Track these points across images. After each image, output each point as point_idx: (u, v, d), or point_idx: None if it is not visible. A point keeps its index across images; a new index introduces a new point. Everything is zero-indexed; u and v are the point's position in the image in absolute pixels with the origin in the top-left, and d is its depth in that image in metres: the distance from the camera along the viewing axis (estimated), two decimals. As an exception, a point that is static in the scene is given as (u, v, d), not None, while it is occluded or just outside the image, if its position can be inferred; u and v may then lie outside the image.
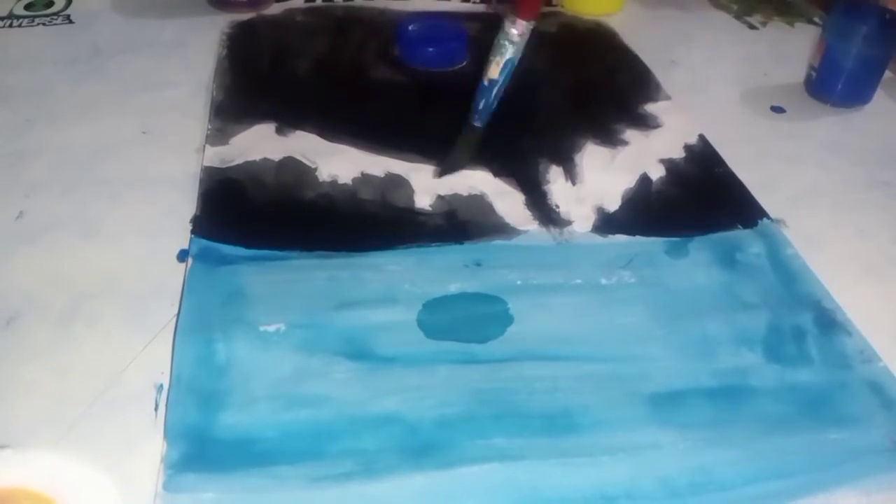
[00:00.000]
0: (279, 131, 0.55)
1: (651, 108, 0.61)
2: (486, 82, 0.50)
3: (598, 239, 0.47)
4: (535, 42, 0.70)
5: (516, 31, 0.48)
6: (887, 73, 0.63)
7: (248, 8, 0.72)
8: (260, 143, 0.53)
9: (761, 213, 0.50)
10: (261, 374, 0.37)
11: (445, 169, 0.51)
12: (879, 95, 0.63)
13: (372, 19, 0.72)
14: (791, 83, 0.66)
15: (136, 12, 0.71)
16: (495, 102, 0.50)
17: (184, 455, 0.33)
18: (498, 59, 0.49)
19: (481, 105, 0.50)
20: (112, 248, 0.45)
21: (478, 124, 0.51)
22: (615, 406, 0.37)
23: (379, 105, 0.60)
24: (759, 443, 0.36)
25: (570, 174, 0.53)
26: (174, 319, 0.40)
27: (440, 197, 0.50)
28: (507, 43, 0.48)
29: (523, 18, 0.48)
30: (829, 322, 0.42)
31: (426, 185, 0.51)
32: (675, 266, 0.46)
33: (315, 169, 0.52)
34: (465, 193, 0.50)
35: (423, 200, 0.50)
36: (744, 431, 0.36)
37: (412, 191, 0.50)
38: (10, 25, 0.68)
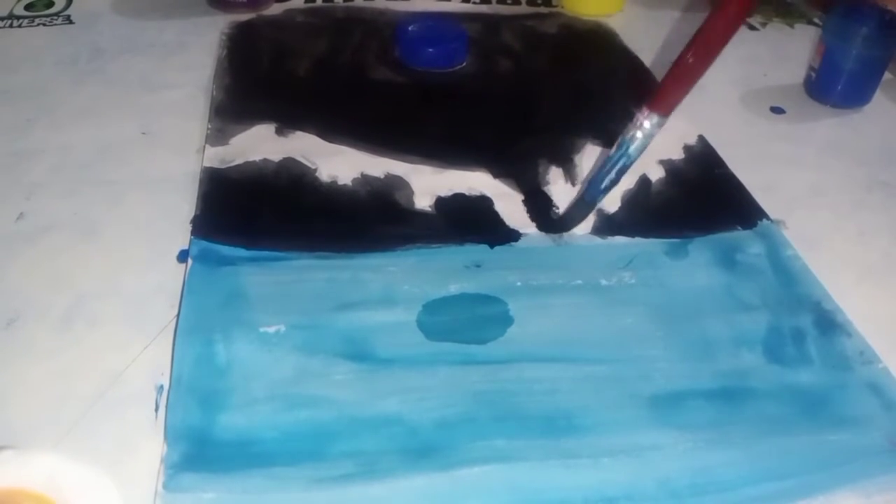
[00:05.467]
0: (279, 132, 0.55)
1: (651, 108, 0.61)
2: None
3: (598, 240, 0.47)
4: (536, 42, 0.71)
5: (647, 124, 0.44)
6: (887, 75, 0.63)
7: (247, 8, 0.72)
8: (260, 144, 0.53)
9: (761, 214, 0.50)
10: (261, 375, 0.37)
11: (558, 227, 0.49)
12: (879, 96, 0.63)
13: (372, 20, 0.73)
14: (791, 84, 0.66)
15: (136, 13, 0.71)
16: (606, 180, 0.46)
17: (184, 455, 0.33)
18: (619, 139, 0.45)
19: (591, 178, 0.47)
20: (112, 248, 0.45)
21: (586, 199, 0.48)
22: (615, 407, 0.37)
23: (379, 106, 0.60)
24: (759, 444, 0.36)
25: (570, 175, 0.53)
26: (174, 320, 0.40)
27: (440, 198, 0.50)
28: (633, 130, 0.45)
29: (655, 112, 0.44)
30: (828, 323, 0.42)
31: (426, 186, 0.51)
32: (675, 267, 0.46)
33: (315, 170, 0.52)
34: (464, 194, 0.50)
35: (423, 201, 0.50)
36: (744, 432, 0.36)
37: (412, 192, 0.50)
38: (11, 26, 0.68)
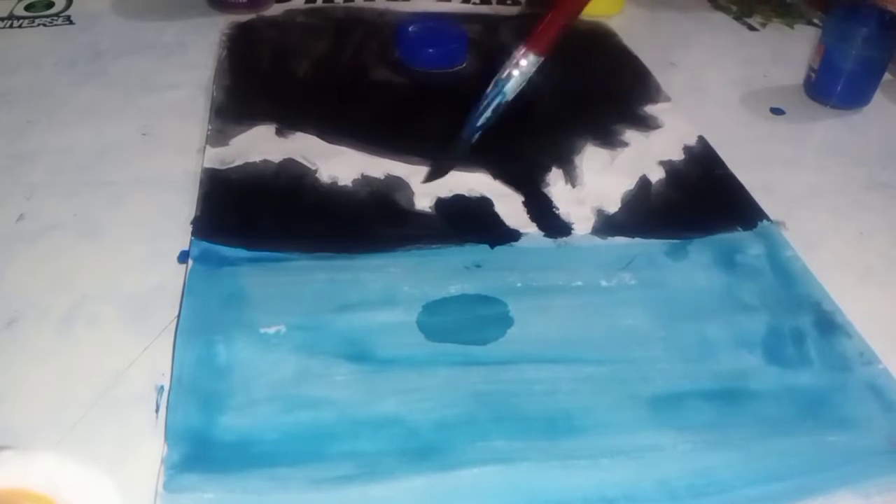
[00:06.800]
0: (279, 132, 0.55)
1: (651, 109, 0.61)
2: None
3: (598, 241, 0.47)
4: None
5: (523, 62, 0.48)
6: (886, 75, 0.63)
7: (247, 9, 0.72)
8: (260, 145, 0.53)
9: (761, 215, 0.50)
10: (261, 376, 0.37)
11: (431, 174, 0.51)
12: (879, 97, 0.63)
13: (372, 20, 0.73)
14: (790, 85, 0.66)
15: (136, 14, 0.71)
16: (482, 118, 0.49)
17: (184, 456, 0.33)
18: (495, 78, 0.49)
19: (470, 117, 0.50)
20: (113, 249, 0.45)
21: (463, 136, 0.50)
22: (615, 408, 0.37)
23: (379, 106, 0.60)
24: (759, 445, 0.36)
25: (570, 176, 0.53)
26: (175, 321, 0.40)
27: (440, 199, 0.50)
28: (509, 68, 0.48)
29: (531, 51, 0.47)
30: (828, 324, 0.42)
31: (426, 187, 0.51)
32: (675, 268, 0.46)
33: (315, 170, 0.52)
34: (464, 195, 0.50)
35: (423, 202, 0.50)
36: (744, 433, 0.36)
37: (412, 192, 0.50)
38: (11, 26, 0.68)
